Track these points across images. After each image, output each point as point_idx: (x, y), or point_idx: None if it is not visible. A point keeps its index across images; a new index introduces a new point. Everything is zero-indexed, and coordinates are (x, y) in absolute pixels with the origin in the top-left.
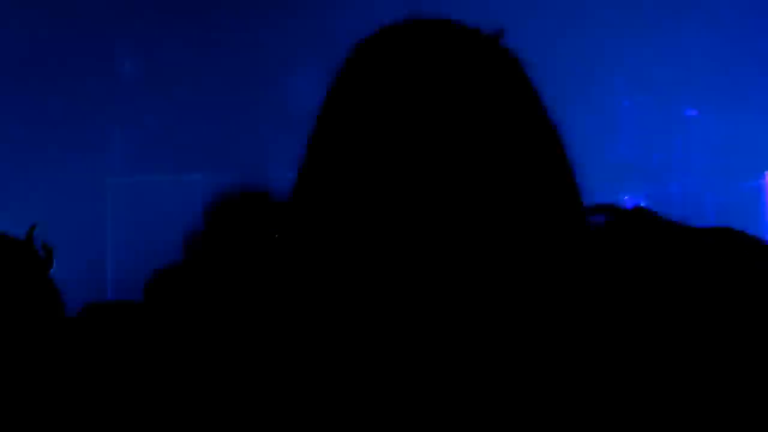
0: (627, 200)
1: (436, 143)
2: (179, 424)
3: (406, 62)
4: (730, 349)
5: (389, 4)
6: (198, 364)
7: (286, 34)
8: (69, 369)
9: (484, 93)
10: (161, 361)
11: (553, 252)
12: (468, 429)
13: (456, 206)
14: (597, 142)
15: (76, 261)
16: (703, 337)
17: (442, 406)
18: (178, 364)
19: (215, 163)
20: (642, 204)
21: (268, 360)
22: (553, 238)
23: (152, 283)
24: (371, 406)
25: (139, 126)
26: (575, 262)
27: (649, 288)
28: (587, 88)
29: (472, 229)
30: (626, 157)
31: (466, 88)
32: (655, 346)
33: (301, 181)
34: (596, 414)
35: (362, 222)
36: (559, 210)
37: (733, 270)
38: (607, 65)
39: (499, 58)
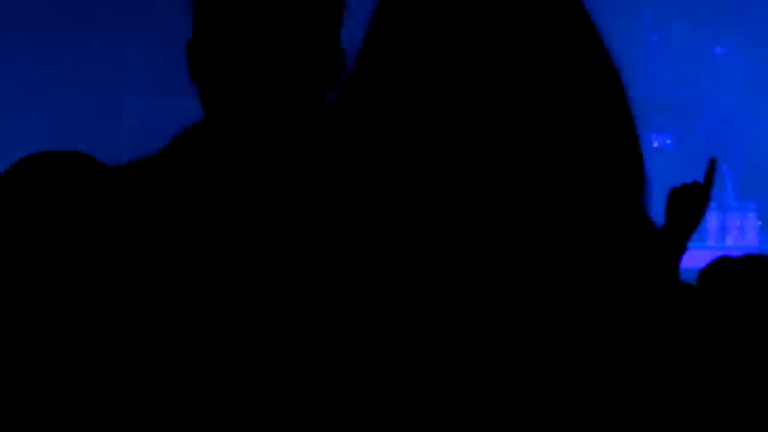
0: (654, 138)
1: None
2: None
3: None
4: None
5: None
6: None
7: None
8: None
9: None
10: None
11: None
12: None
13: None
14: (624, 77)
15: None
16: None
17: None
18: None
19: None
20: (668, 141)
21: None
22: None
23: None
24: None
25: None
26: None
27: None
28: (615, 21)
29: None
30: (654, 94)
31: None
32: None
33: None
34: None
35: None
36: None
37: None
38: None
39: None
